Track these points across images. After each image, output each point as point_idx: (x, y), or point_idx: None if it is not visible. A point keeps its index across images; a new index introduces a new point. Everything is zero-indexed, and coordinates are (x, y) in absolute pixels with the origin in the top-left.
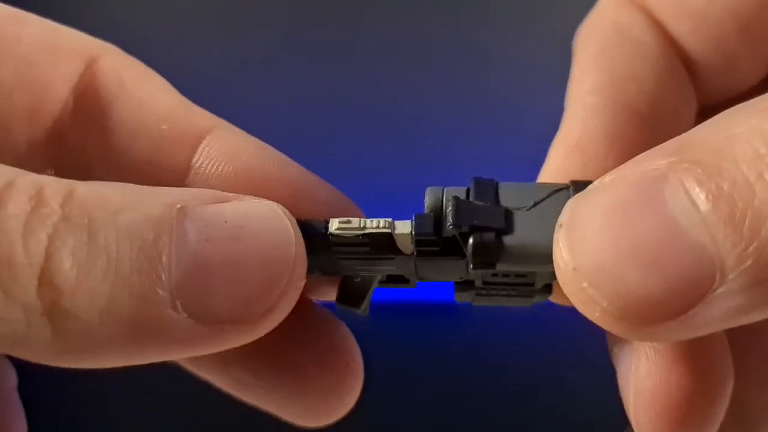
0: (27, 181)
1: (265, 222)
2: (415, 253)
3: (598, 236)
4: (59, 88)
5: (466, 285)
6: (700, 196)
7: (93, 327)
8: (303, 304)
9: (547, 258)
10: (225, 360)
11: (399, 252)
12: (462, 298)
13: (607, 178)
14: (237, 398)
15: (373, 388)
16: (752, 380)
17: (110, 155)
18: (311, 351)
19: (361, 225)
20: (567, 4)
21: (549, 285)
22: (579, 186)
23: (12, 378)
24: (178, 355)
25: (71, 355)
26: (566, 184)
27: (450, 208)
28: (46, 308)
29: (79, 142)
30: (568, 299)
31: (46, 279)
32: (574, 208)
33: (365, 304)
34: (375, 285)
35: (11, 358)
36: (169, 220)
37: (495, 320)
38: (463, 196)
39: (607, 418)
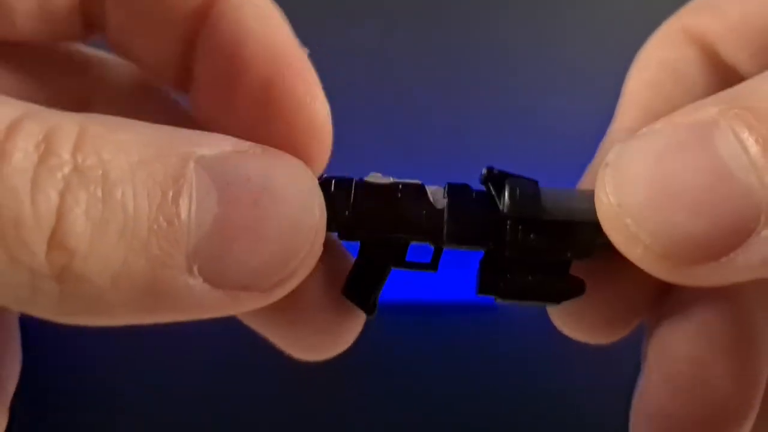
0: (34, 123)
1: (289, 186)
2: (447, 202)
3: (646, 175)
4: None
5: (492, 266)
6: (750, 140)
7: (105, 291)
8: None
9: (585, 200)
10: None
11: (430, 206)
12: (485, 289)
13: (658, 125)
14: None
15: (378, 387)
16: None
17: None
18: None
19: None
20: (571, 4)
21: (581, 284)
22: None
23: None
24: (188, 318)
25: (79, 316)
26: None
27: (483, 171)
28: (55, 272)
29: None
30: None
31: (57, 241)
32: (621, 149)
33: (373, 300)
34: (387, 276)
35: None
36: (190, 174)
37: (497, 321)
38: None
39: (609, 419)
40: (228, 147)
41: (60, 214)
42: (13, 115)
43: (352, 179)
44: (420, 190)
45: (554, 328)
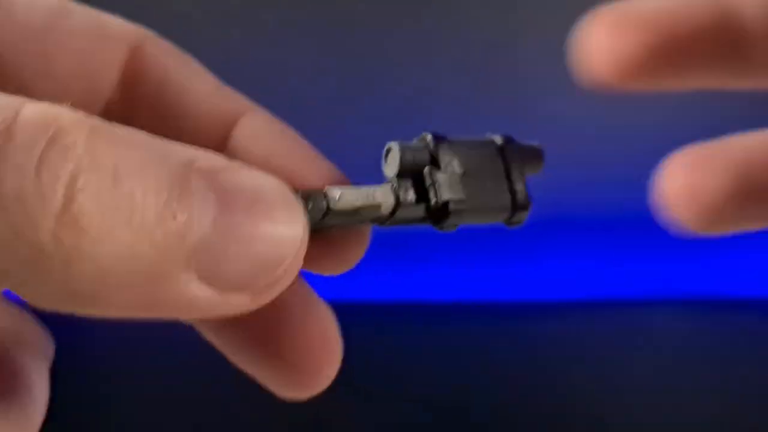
0: (38, 108)
1: (279, 199)
2: (393, 214)
3: None
4: (110, 75)
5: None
6: None
7: (107, 274)
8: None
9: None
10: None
11: (380, 211)
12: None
13: None
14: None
15: (378, 387)
16: None
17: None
18: (285, 326)
19: (356, 197)
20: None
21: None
22: (507, 139)
23: (48, 349)
24: (180, 316)
25: (76, 299)
26: (491, 140)
27: (431, 183)
28: (63, 250)
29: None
30: None
31: (68, 219)
32: None
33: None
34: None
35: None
36: (193, 179)
37: (496, 320)
38: (426, 156)
39: (609, 419)
40: (221, 161)
41: (71, 192)
42: (14, 105)
43: (324, 204)
44: (377, 208)
45: (553, 328)
